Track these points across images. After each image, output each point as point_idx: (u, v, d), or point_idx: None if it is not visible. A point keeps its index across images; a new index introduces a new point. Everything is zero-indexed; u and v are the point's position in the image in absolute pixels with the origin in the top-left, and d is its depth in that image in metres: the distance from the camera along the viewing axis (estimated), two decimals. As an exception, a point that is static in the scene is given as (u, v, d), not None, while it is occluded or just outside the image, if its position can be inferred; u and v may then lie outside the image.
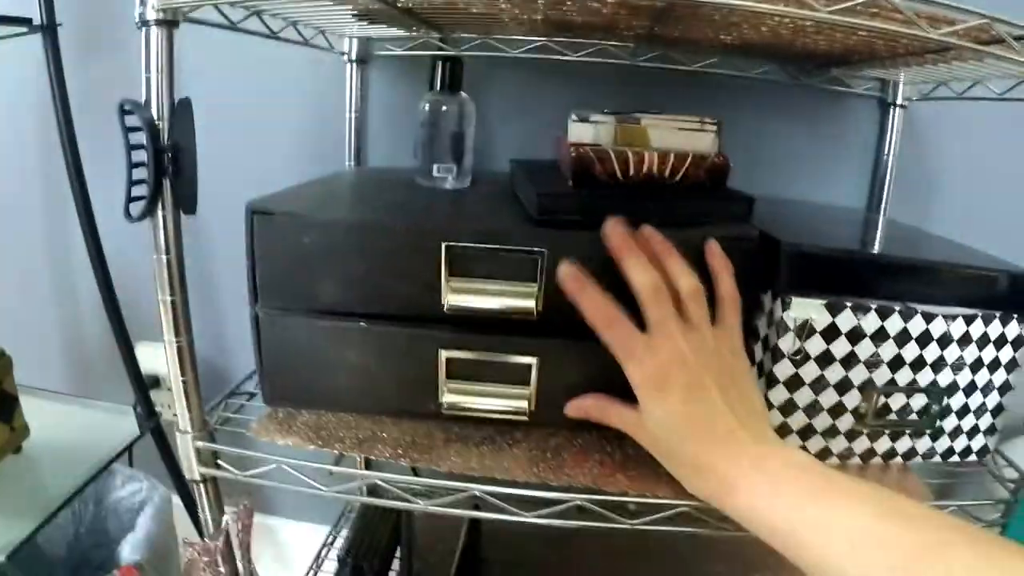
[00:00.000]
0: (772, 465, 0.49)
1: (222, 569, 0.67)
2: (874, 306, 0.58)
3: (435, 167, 0.75)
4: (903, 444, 0.64)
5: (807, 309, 0.57)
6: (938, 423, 0.63)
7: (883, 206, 0.92)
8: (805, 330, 0.58)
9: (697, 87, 0.90)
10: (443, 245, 0.57)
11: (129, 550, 0.89)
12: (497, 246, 0.57)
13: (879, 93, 0.90)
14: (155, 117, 0.53)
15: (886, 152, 0.91)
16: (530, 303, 0.58)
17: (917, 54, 0.66)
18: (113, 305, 0.94)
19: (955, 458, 0.65)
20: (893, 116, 0.89)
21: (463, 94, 0.76)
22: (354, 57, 0.91)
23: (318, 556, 1.13)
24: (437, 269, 0.58)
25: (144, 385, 0.98)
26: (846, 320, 0.58)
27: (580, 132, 0.61)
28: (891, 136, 0.90)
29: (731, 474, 0.49)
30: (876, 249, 0.70)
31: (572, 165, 0.59)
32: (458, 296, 0.58)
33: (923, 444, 0.64)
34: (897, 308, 0.58)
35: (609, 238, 0.55)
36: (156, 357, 1.00)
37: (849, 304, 0.58)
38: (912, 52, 0.65)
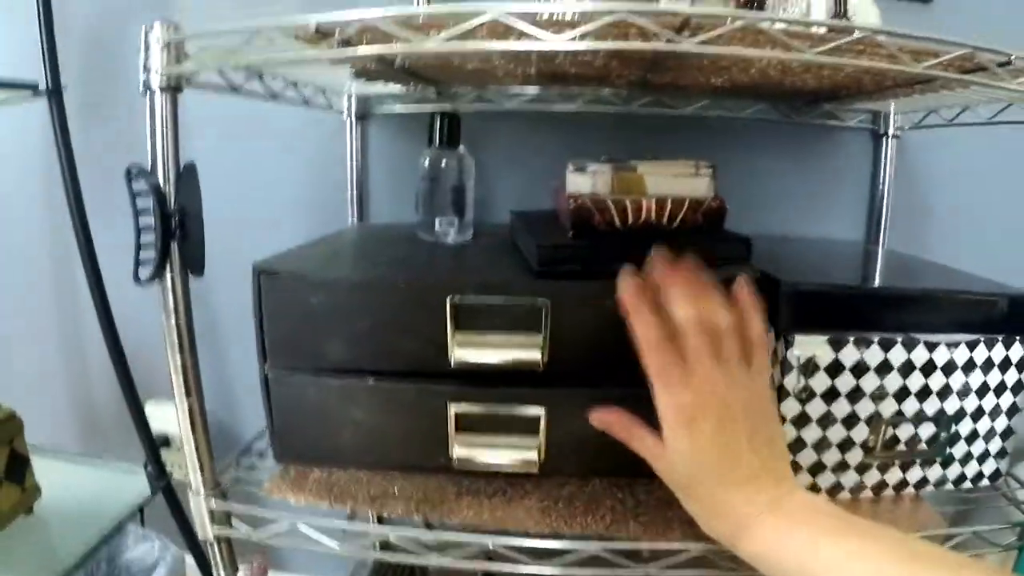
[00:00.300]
0: (789, 506, 0.49)
1: (238, 630, 0.67)
2: (876, 339, 0.58)
3: (437, 221, 0.77)
4: (914, 474, 0.63)
5: (810, 346, 0.58)
6: (948, 450, 0.63)
7: (881, 236, 0.93)
8: (809, 367, 0.58)
9: (691, 130, 0.92)
10: (448, 299, 0.58)
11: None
12: (501, 298, 0.58)
13: (871, 125, 0.92)
14: (161, 182, 0.54)
15: (881, 182, 0.92)
16: (536, 355, 0.58)
17: (905, 85, 0.67)
18: (122, 365, 0.95)
19: (967, 484, 0.65)
20: (886, 147, 0.91)
21: (462, 148, 0.78)
22: (354, 115, 0.94)
23: (332, 611, 1.12)
24: (442, 324, 0.59)
25: (155, 445, 0.98)
26: (849, 354, 0.58)
27: (578, 183, 0.63)
28: (885, 166, 0.91)
29: (747, 515, 0.49)
30: (875, 282, 0.70)
31: (571, 216, 0.60)
32: (465, 350, 0.59)
33: (934, 472, 0.64)
34: (899, 339, 0.59)
35: (652, 270, 0.55)
36: (166, 416, 1.00)
37: (851, 338, 0.58)
38: (900, 84, 0.67)
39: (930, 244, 0.94)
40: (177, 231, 0.55)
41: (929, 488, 0.64)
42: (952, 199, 0.94)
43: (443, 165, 0.76)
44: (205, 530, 0.63)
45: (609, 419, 0.57)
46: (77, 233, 0.92)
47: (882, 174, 0.92)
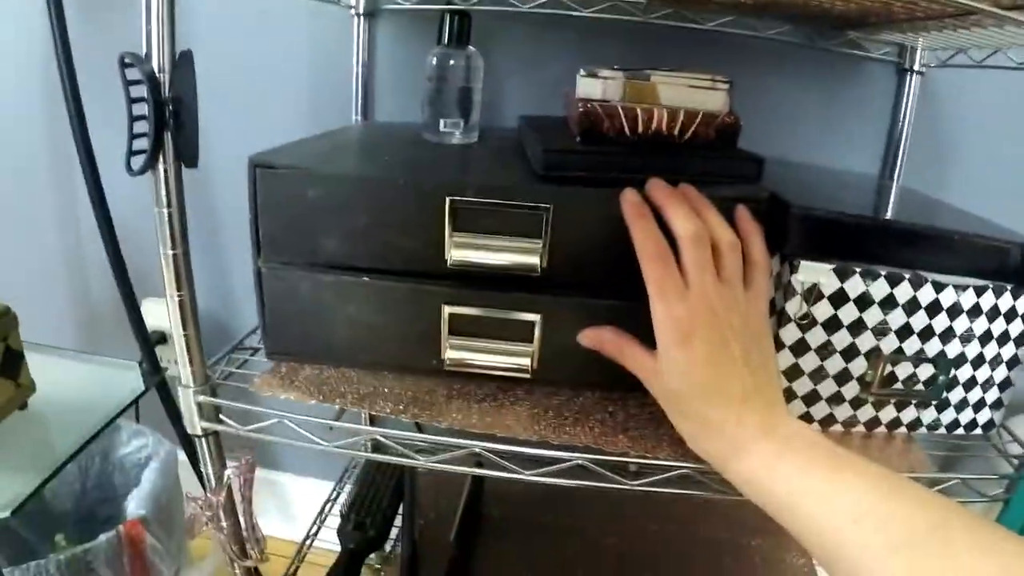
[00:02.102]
0: (781, 432, 0.48)
1: (224, 523, 0.68)
2: (884, 272, 0.57)
3: (442, 122, 0.74)
4: (908, 414, 0.63)
5: (815, 273, 0.56)
6: (944, 394, 0.62)
7: (897, 173, 0.91)
8: (813, 294, 0.57)
9: (710, 46, 0.88)
10: (447, 200, 0.56)
11: (134, 504, 0.89)
12: (502, 201, 0.56)
13: (896, 59, 0.88)
14: (156, 70, 0.51)
15: (902, 119, 0.89)
16: (534, 259, 0.57)
17: (936, 18, 0.64)
18: (118, 261, 0.94)
19: (960, 431, 0.64)
20: (910, 82, 0.87)
21: (471, 48, 0.74)
22: (361, 11, 0.90)
23: (321, 511, 1.15)
24: (441, 224, 0.57)
25: (149, 341, 0.99)
26: (855, 286, 0.57)
27: (588, 88, 0.60)
28: (907, 103, 0.88)
29: (739, 436, 0.49)
30: (888, 215, 0.68)
31: (579, 121, 0.58)
32: (462, 251, 0.58)
33: (928, 415, 0.63)
34: (907, 276, 0.57)
35: (651, 190, 0.54)
36: (162, 313, 0.98)
37: (858, 269, 0.57)
38: (931, 16, 0.63)
39: (946, 186, 0.92)
40: (171, 121, 0.52)
41: (922, 430, 0.64)
42: (973, 143, 0.91)
43: (450, 64, 0.73)
44: (193, 424, 0.63)
45: (602, 337, 0.56)
46: (74, 128, 0.90)
47: (903, 110, 0.89)
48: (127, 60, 0.52)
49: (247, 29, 0.96)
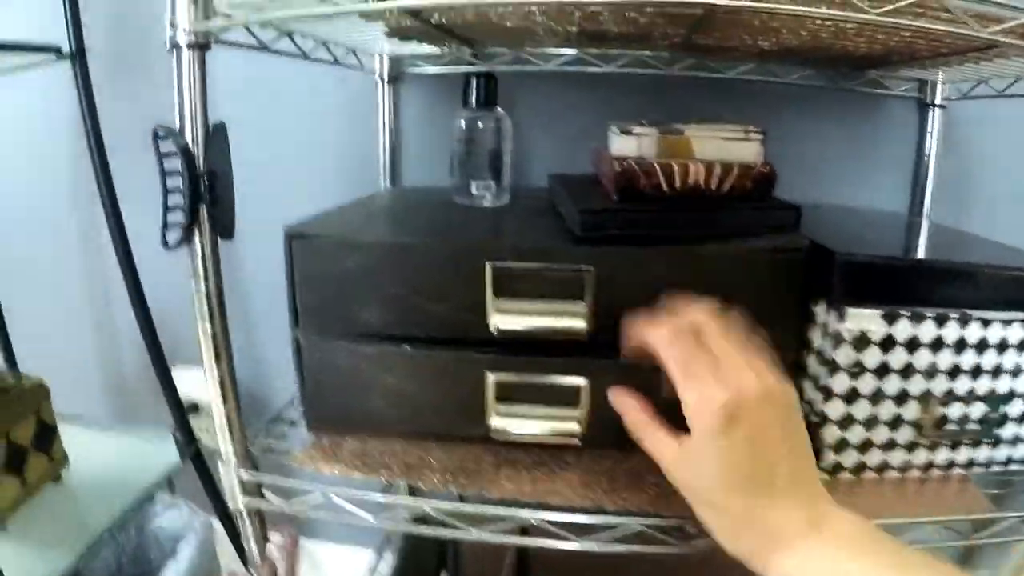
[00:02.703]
0: (833, 526, 0.45)
1: (268, 599, 0.67)
2: (931, 314, 0.56)
3: (473, 185, 0.74)
4: (962, 454, 0.61)
5: (863, 320, 0.55)
6: (997, 431, 0.60)
7: (925, 209, 0.90)
8: (861, 341, 0.56)
9: (733, 95, 0.88)
10: (487, 265, 0.56)
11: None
12: (543, 264, 0.56)
13: (917, 94, 0.88)
14: (190, 142, 0.52)
15: (926, 153, 0.88)
16: (580, 323, 0.56)
17: (959, 52, 0.64)
18: (150, 331, 0.94)
19: (1015, 466, 0.63)
20: (932, 117, 0.87)
21: (499, 109, 0.75)
22: (385, 76, 0.91)
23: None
24: (481, 289, 0.57)
25: (183, 411, 0.98)
26: (903, 329, 0.56)
27: (623, 145, 0.60)
28: (931, 137, 0.88)
29: (785, 531, 0.44)
30: (930, 255, 0.67)
31: (616, 180, 0.58)
32: (505, 317, 0.57)
33: (982, 453, 0.61)
34: (954, 315, 0.56)
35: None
36: (194, 382, 0.99)
37: (906, 313, 0.56)
38: (955, 51, 0.63)
39: (973, 218, 0.91)
40: (207, 194, 0.53)
41: (976, 468, 0.62)
42: (997, 172, 0.90)
43: (479, 127, 0.74)
44: (235, 500, 0.62)
45: (627, 407, 0.53)
46: (103, 198, 0.91)
47: (927, 145, 0.88)
48: (160, 133, 0.52)
49: (273, 98, 0.97)
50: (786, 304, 0.59)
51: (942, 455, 0.61)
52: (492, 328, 0.57)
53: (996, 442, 0.61)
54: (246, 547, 0.65)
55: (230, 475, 0.61)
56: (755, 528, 0.45)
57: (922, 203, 0.90)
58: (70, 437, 0.87)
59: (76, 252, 1.13)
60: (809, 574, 0.43)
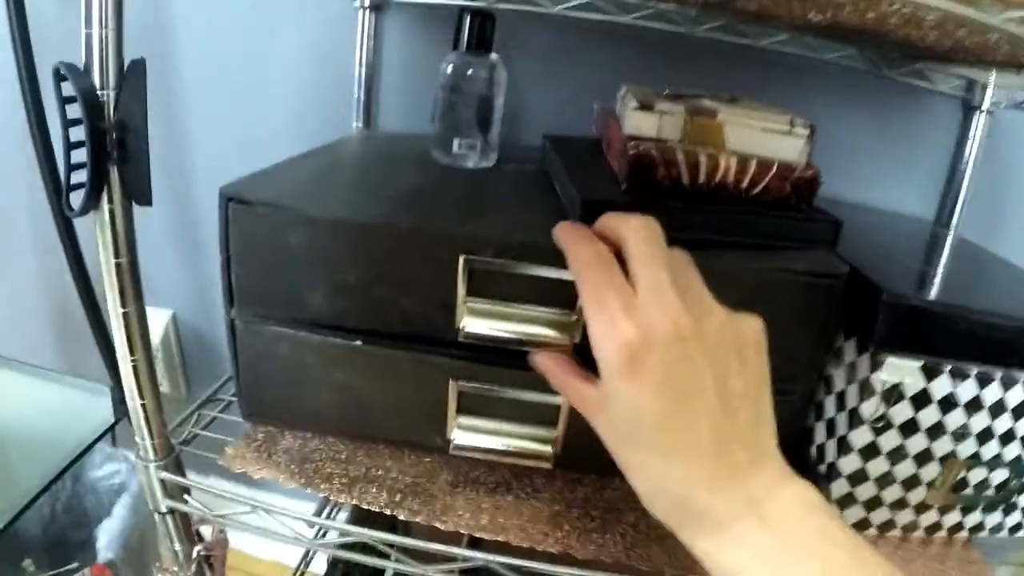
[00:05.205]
0: (777, 510, 0.35)
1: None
2: (974, 372, 0.48)
3: (455, 142, 0.63)
4: (973, 518, 0.56)
5: (901, 372, 0.47)
6: (1014, 498, 0.55)
7: (955, 220, 0.81)
8: (894, 395, 0.48)
9: (760, 66, 0.77)
10: (461, 259, 0.46)
11: (104, 542, 0.82)
12: (528, 267, 0.46)
13: (964, 94, 0.78)
14: (98, 85, 0.41)
15: (964, 160, 0.79)
16: (564, 335, 0.47)
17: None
18: (85, 284, 0.84)
19: (1022, 533, 0.57)
20: (977, 121, 0.77)
21: (494, 55, 0.63)
22: (367, 4, 0.78)
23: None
24: (452, 284, 0.47)
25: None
26: (941, 386, 0.49)
27: (641, 123, 0.49)
28: (972, 143, 0.78)
29: (714, 509, 0.35)
30: (990, 305, 0.54)
31: (629, 165, 0.47)
32: (477, 320, 0.48)
33: (993, 519, 0.56)
34: (998, 375, 0.49)
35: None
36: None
37: (948, 368, 0.48)
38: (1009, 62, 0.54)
39: (1003, 238, 0.82)
40: (115, 150, 0.42)
41: (983, 534, 0.57)
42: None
43: (469, 74, 0.62)
44: (156, 502, 0.54)
45: (548, 363, 0.44)
46: (34, 139, 0.80)
47: (967, 151, 0.78)
48: (62, 72, 0.41)
49: (238, 20, 0.85)
50: (810, 338, 0.50)
51: (951, 518, 0.55)
52: (460, 331, 0.48)
53: (1010, 508, 0.56)
54: (169, 549, 0.57)
55: (150, 476, 0.53)
56: (673, 498, 0.36)
57: (951, 213, 0.81)
58: (10, 381, 0.79)
59: (19, 193, 1.01)
60: (741, 570, 0.34)
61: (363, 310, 0.49)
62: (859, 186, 0.82)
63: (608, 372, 0.36)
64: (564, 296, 0.47)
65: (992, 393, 0.49)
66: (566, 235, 0.41)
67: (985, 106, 0.76)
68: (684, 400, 0.35)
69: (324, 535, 0.65)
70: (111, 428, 0.84)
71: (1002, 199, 0.82)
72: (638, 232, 0.38)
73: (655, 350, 0.34)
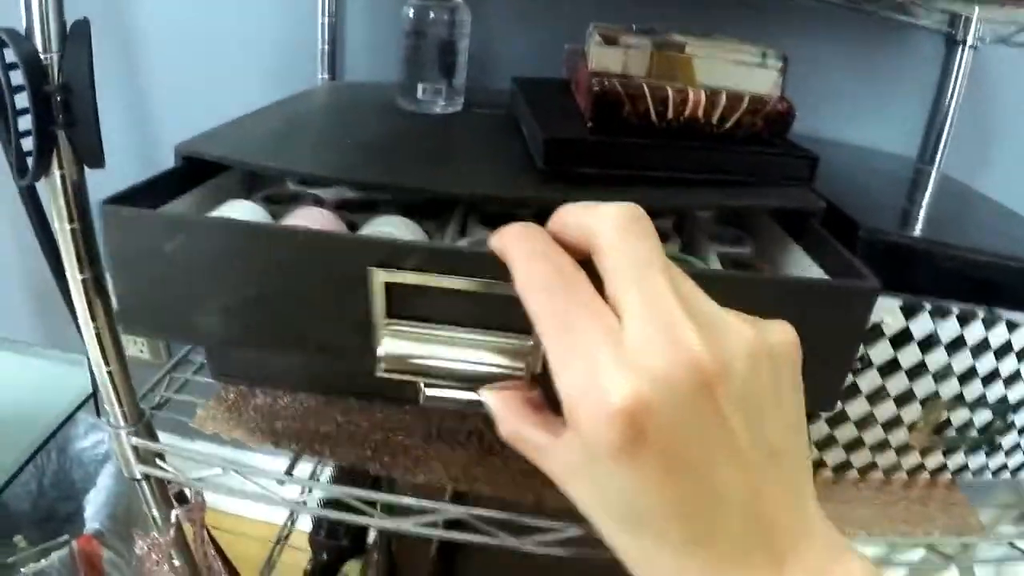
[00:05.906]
0: None
1: (176, 562, 0.59)
2: (956, 310, 0.48)
3: (420, 87, 0.61)
4: (955, 460, 0.56)
5: (879, 311, 0.46)
6: (997, 439, 0.55)
7: (938, 157, 0.80)
8: (872, 334, 0.48)
9: (735, 3, 0.75)
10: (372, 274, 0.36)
11: (91, 513, 0.81)
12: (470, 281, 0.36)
13: (948, 28, 0.76)
14: (40, 49, 0.39)
15: (948, 96, 0.77)
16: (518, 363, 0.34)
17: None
18: (54, 253, 0.83)
19: (1006, 474, 0.58)
20: (961, 56, 0.76)
21: (456, -3, 0.61)
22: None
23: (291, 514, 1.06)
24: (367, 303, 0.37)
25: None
26: (921, 325, 0.48)
27: (605, 58, 0.47)
28: (956, 80, 0.77)
29: None
30: (974, 242, 0.52)
31: (594, 102, 0.45)
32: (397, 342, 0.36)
33: (976, 460, 0.56)
34: (981, 314, 0.48)
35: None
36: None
37: (928, 306, 0.47)
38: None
39: (988, 175, 0.81)
40: (61, 114, 0.40)
41: (966, 476, 0.58)
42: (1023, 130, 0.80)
43: (431, 17, 0.60)
44: (130, 469, 0.53)
45: (495, 404, 0.30)
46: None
47: (951, 87, 0.77)
48: (3, 38, 0.39)
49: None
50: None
51: (934, 460, 0.56)
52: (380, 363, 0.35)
53: (993, 450, 0.56)
54: (147, 514, 0.57)
55: (121, 442, 0.52)
56: None
57: (935, 150, 0.80)
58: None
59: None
60: None
61: (262, 334, 0.40)
62: (839, 124, 0.81)
63: (591, 447, 0.23)
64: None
65: (974, 332, 0.49)
66: (510, 244, 0.27)
67: (969, 41, 0.75)
68: (705, 475, 0.23)
69: (309, 492, 0.65)
70: (90, 397, 0.83)
71: (986, 136, 0.81)
72: (616, 223, 0.25)
73: (662, 412, 0.22)
